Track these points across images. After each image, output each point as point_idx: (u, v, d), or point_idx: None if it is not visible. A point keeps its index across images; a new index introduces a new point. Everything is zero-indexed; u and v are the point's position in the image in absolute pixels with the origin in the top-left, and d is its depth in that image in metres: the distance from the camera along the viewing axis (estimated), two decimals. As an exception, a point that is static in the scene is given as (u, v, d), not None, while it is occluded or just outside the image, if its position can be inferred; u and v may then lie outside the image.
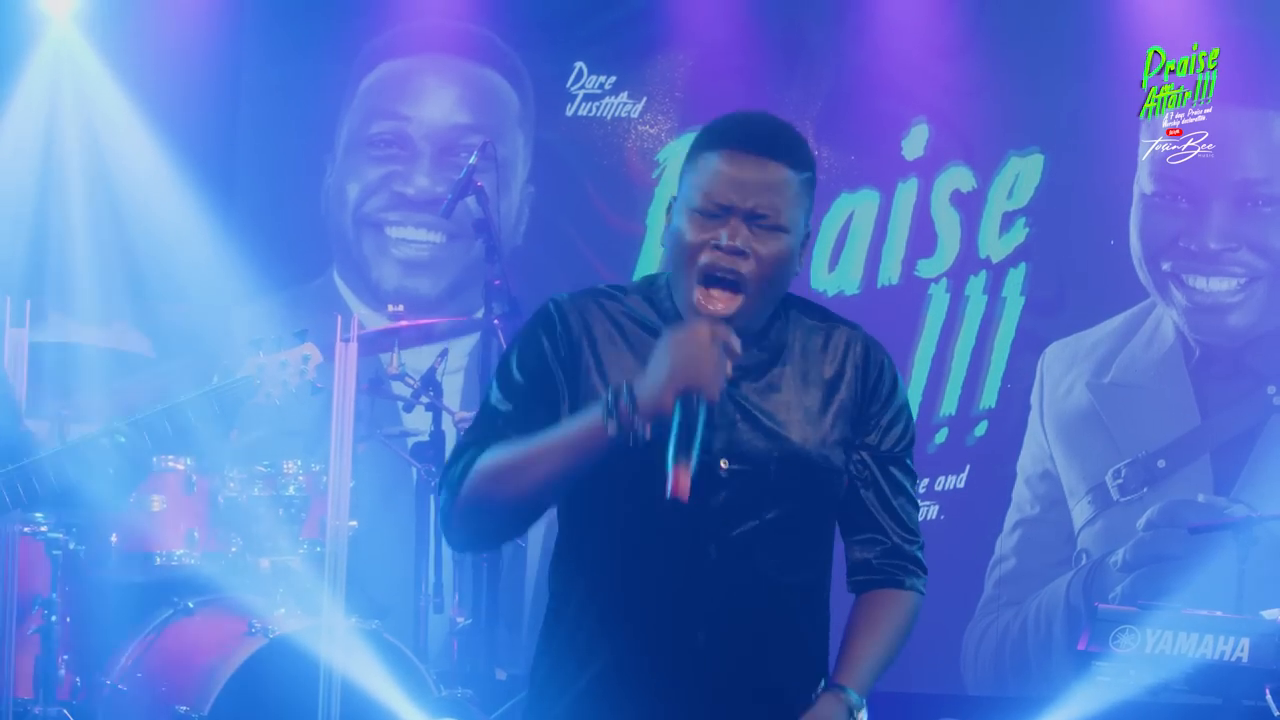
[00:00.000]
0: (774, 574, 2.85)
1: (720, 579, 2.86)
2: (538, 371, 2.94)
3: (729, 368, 2.79)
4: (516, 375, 2.95)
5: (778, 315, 2.98)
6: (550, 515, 3.02)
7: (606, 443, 2.78)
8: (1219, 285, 7.90)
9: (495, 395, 2.97)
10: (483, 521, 2.93)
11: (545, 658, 3.00)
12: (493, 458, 2.88)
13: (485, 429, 2.94)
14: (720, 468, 2.88)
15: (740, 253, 2.85)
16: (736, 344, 2.81)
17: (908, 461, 3.03)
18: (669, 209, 2.95)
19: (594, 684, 2.92)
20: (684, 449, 2.74)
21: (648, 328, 2.94)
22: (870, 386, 2.99)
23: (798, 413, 2.93)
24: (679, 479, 2.72)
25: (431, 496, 6.51)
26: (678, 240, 2.90)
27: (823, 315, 3.05)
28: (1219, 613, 6.12)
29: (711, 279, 2.87)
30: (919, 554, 3.03)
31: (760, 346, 2.95)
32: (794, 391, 2.95)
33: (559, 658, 2.96)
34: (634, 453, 2.78)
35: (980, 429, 8.02)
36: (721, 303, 2.87)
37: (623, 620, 2.90)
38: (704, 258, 2.86)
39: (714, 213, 2.87)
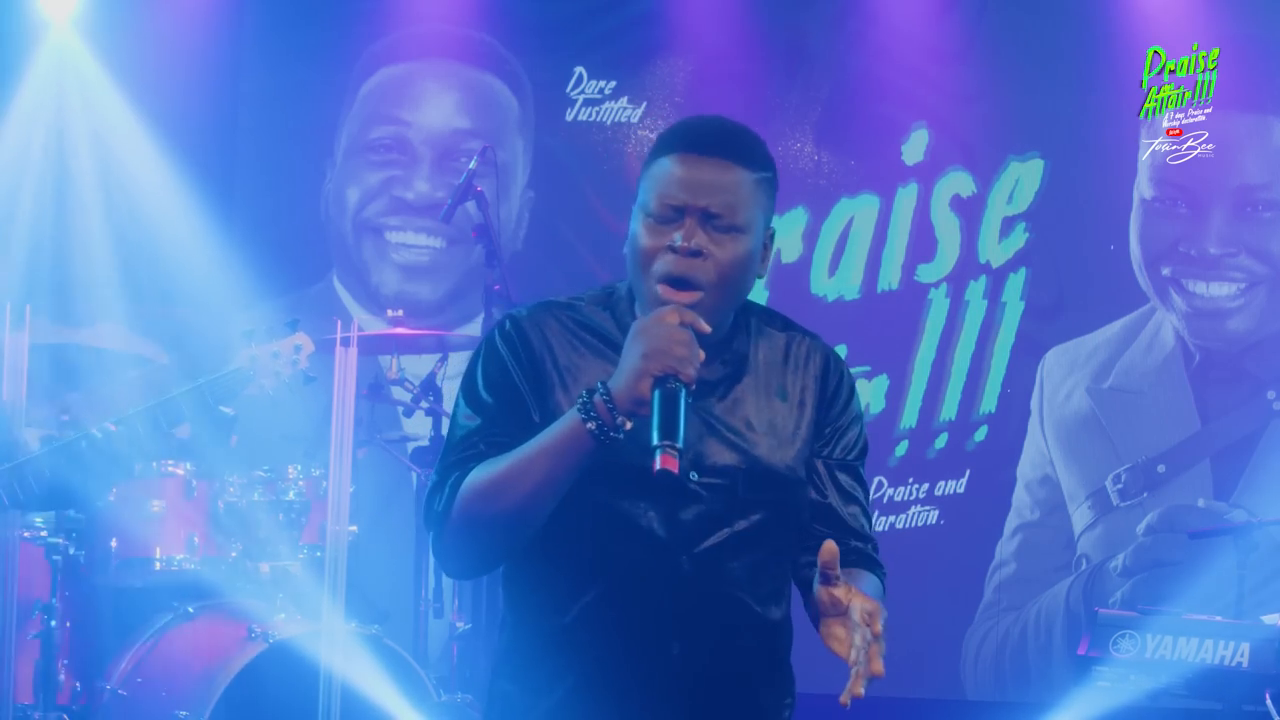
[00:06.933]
0: (746, 584, 2.84)
1: (693, 590, 2.85)
2: (504, 386, 2.90)
3: (701, 354, 2.77)
4: (483, 393, 2.91)
5: (739, 326, 2.96)
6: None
7: (590, 443, 2.76)
8: (1219, 290, 7.89)
9: (464, 414, 2.93)
10: (479, 543, 2.87)
11: (507, 675, 2.96)
12: (477, 478, 2.84)
13: (461, 452, 2.89)
14: (690, 481, 2.86)
15: (697, 254, 2.83)
16: (704, 325, 2.79)
17: (859, 469, 3.01)
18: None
19: (569, 697, 2.89)
20: (667, 431, 2.71)
21: (607, 340, 2.92)
22: (828, 397, 2.98)
23: (762, 426, 2.92)
24: (665, 459, 2.70)
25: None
26: (634, 246, 2.88)
27: (784, 324, 3.03)
28: (1219, 618, 6.12)
29: (670, 280, 2.84)
30: (874, 554, 2.99)
31: (723, 360, 2.93)
32: (758, 405, 2.93)
33: (525, 673, 2.93)
34: (603, 471, 2.78)
35: (980, 434, 8.02)
36: (683, 298, 2.83)
37: (597, 635, 2.87)
38: (660, 262, 2.84)
39: (668, 216, 2.84)
